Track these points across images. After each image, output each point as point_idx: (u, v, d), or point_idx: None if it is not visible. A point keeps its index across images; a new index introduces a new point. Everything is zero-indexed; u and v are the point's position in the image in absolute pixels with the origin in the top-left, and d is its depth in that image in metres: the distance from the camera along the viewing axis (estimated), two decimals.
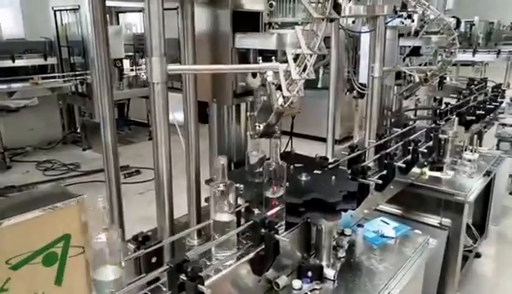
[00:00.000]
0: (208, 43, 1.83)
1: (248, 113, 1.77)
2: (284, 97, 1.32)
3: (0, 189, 5.10)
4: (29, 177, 5.68)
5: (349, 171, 1.99)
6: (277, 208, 1.58)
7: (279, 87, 1.39)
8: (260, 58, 1.67)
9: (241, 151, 2.04)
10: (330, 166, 2.02)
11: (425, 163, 2.83)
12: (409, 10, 3.03)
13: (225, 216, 1.48)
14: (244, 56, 1.85)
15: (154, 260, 1.31)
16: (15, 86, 6.32)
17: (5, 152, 6.14)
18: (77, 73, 6.80)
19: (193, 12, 1.65)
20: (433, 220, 2.70)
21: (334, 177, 1.90)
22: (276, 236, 1.43)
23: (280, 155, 1.64)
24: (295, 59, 1.29)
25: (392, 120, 3.24)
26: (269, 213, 1.53)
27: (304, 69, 1.28)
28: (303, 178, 1.87)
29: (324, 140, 2.35)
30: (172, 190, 1.57)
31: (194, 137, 1.76)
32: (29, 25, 7.97)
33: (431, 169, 2.86)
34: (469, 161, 2.97)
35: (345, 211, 1.76)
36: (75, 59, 7.02)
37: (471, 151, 3.05)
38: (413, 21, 3.16)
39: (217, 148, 2.02)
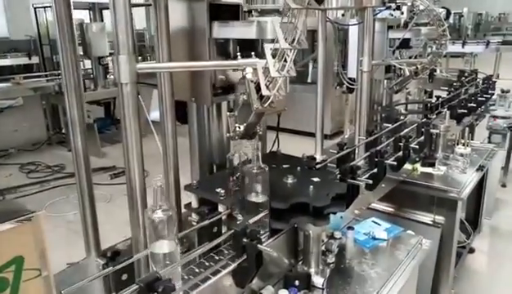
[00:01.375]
0: (184, 39, 1.70)
1: (227, 113, 1.66)
2: (263, 96, 1.21)
3: None
4: (13, 180, 5.52)
5: (338, 171, 1.89)
6: (260, 215, 1.47)
7: (259, 85, 1.28)
8: (239, 54, 1.56)
9: (223, 153, 1.92)
10: (317, 166, 1.92)
11: (417, 159, 2.74)
12: (398, 1, 2.93)
13: (259, 198, 1.51)
14: (222, 49, 1.74)
15: (125, 277, 1.20)
16: None
17: None
18: (60, 72, 6.62)
19: (167, 6, 1.53)
20: (427, 217, 2.62)
21: (321, 179, 1.79)
22: (259, 246, 1.33)
23: (265, 155, 1.54)
24: (274, 55, 1.17)
25: (383, 115, 3.14)
26: (251, 221, 1.42)
27: (284, 66, 1.17)
28: (289, 181, 1.76)
29: (314, 135, 2.27)
30: (146, 197, 1.46)
31: (171, 138, 1.66)
32: (12, 24, 7.76)
33: (423, 165, 2.77)
34: (462, 155, 2.88)
35: (334, 213, 1.66)
36: (58, 57, 6.84)
37: (463, 145, 2.97)
38: (402, 13, 3.08)
39: (197, 150, 1.90)
